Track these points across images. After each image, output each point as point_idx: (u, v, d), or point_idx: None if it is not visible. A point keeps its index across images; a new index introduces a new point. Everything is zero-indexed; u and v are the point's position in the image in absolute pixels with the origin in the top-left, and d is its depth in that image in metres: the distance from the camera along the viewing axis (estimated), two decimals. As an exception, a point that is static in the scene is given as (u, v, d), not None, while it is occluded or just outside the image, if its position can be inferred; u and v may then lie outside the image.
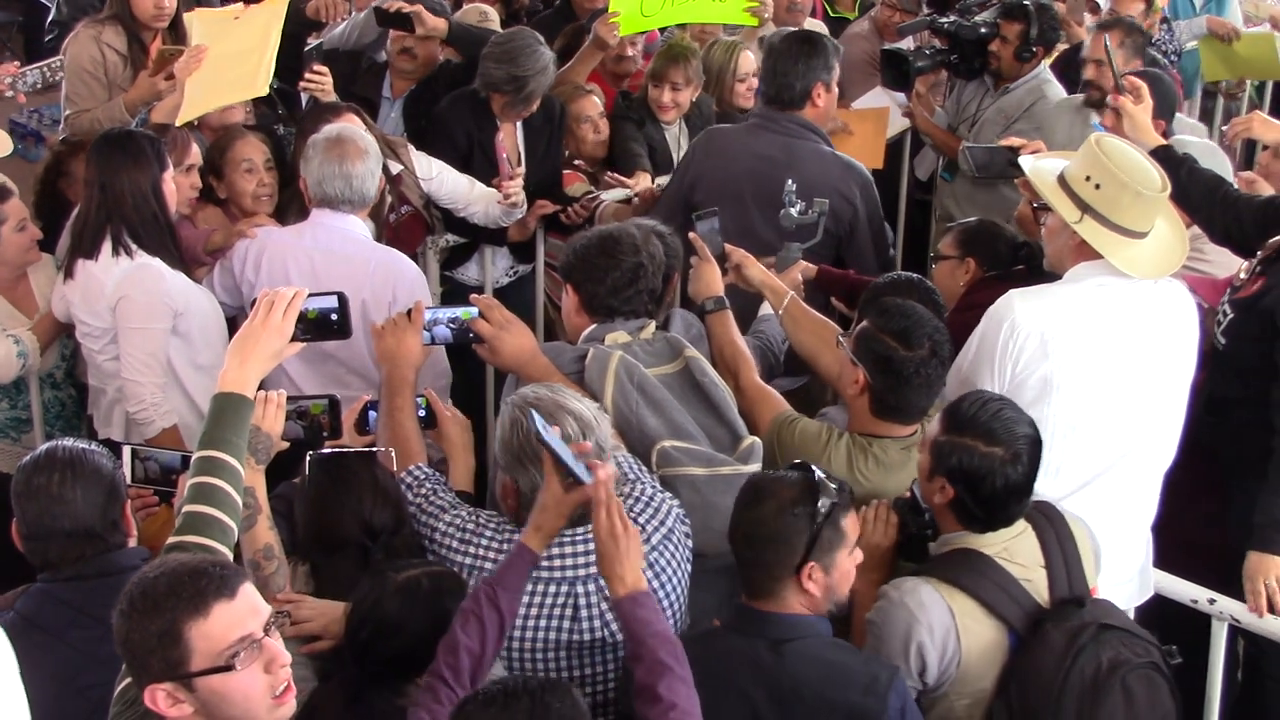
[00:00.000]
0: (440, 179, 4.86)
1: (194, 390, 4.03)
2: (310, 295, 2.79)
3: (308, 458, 3.07)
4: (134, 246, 3.95)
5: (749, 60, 5.87)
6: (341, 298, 2.93)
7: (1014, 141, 4.36)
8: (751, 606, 2.82)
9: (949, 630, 2.91)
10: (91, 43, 5.08)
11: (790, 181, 4.41)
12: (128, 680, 2.30)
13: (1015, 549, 2.99)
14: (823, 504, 2.76)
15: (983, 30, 5.64)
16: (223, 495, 2.49)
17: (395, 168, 4.72)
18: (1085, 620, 2.88)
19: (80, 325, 4.08)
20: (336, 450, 3.11)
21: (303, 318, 2.74)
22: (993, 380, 3.35)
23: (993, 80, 5.77)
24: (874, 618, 2.98)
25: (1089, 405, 3.32)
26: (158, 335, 3.95)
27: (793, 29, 5.39)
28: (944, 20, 5.78)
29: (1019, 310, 3.32)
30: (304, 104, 5.24)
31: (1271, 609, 3.45)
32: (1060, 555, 3.02)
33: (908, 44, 6.20)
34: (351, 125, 4.16)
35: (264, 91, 4.58)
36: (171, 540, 2.45)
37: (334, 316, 2.89)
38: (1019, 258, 3.76)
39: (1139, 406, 3.37)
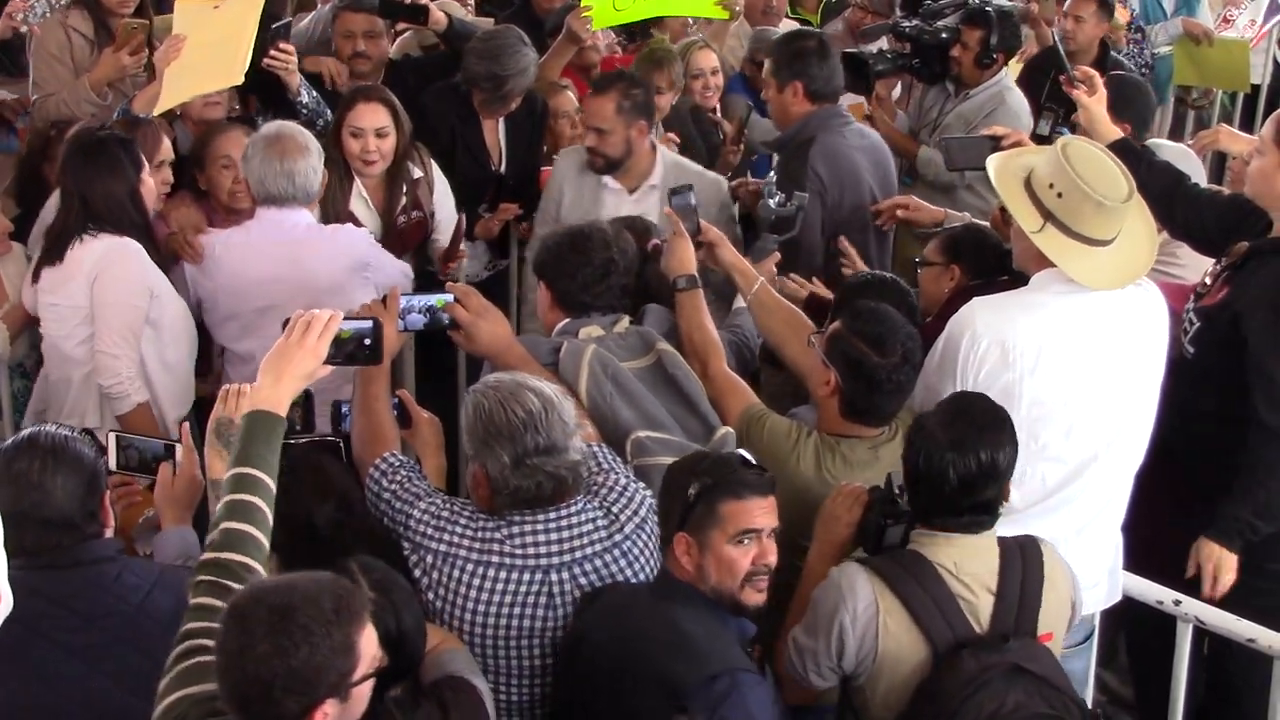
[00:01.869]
0: (441, 204, 4.88)
1: (158, 387, 4.01)
2: (345, 318, 2.80)
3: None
4: (111, 232, 3.91)
5: (708, 58, 5.89)
6: (376, 323, 2.96)
7: (996, 130, 4.36)
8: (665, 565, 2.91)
9: (870, 623, 2.92)
10: (58, 27, 5.09)
11: (771, 174, 4.44)
12: (182, 693, 2.26)
13: (966, 565, 2.96)
14: (695, 483, 2.79)
15: (944, 36, 5.61)
16: (258, 512, 2.49)
17: (416, 173, 4.75)
18: (1004, 658, 2.85)
19: (48, 311, 4.01)
20: (284, 443, 3.11)
21: (337, 339, 2.75)
22: (954, 389, 3.34)
23: (954, 86, 5.73)
24: (815, 593, 3.01)
25: (1053, 414, 3.32)
26: (135, 311, 3.93)
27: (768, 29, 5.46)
28: (906, 25, 5.78)
29: (980, 320, 3.32)
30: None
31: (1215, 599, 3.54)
32: (1017, 590, 2.97)
33: (882, 45, 6.21)
34: (290, 123, 4.19)
35: (240, 80, 4.56)
36: (208, 556, 2.43)
37: (367, 341, 2.91)
38: (1004, 265, 3.76)
39: (1106, 413, 3.37)
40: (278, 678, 2.09)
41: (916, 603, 2.92)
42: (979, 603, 2.95)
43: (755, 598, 2.82)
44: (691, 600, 2.80)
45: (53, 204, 4.17)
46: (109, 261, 3.90)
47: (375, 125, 4.56)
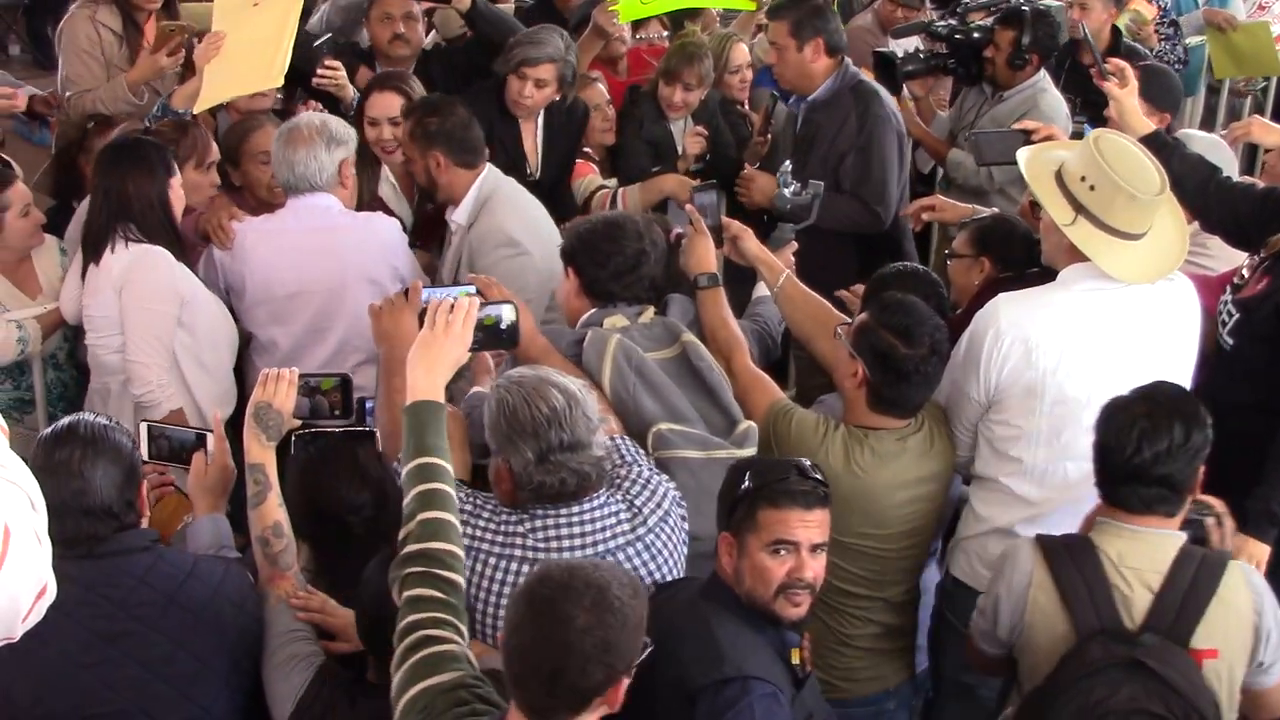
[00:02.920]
0: None
1: (196, 389, 4.03)
2: (484, 304, 2.83)
3: (293, 437, 3.09)
4: (140, 237, 3.94)
5: (742, 52, 5.91)
6: (515, 307, 3.01)
7: (1027, 124, 4.32)
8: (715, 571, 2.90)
9: (1022, 596, 2.97)
10: (87, 22, 5.13)
11: (787, 163, 4.45)
12: (423, 685, 2.29)
13: (1131, 559, 2.91)
14: (743, 484, 2.81)
15: (976, 36, 5.55)
16: (448, 499, 2.54)
17: None
18: (1131, 652, 2.79)
19: (87, 320, 4.03)
20: (320, 430, 3.13)
21: (479, 325, 2.79)
22: (978, 386, 3.36)
23: (990, 88, 5.66)
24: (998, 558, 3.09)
25: (1076, 411, 3.32)
26: (164, 318, 3.94)
27: None
28: (940, 24, 5.73)
29: (1004, 318, 3.32)
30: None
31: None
32: (1180, 595, 2.88)
33: (914, 43, 6.16)
34: (309, 115, 4.21)
35: (279, 83, 4.60)
36: (412, 549, 2.46)
37: (504, 326, 2.94)
38: (1034, 258, 3.74)
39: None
40: (596, 649, 2.16)
41: (1068, 585, 2.92)
42: (1134, 597, 2.90)
43: (791, 611, 2.80)
44: (731, 604, 2.80)
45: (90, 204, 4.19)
46: (136, 270, 3.92)
47: (389, 114, 4.59)
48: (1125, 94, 4.05)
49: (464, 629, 2.40)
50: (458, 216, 4.27)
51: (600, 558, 2.91)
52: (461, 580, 2.46)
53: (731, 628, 2.75)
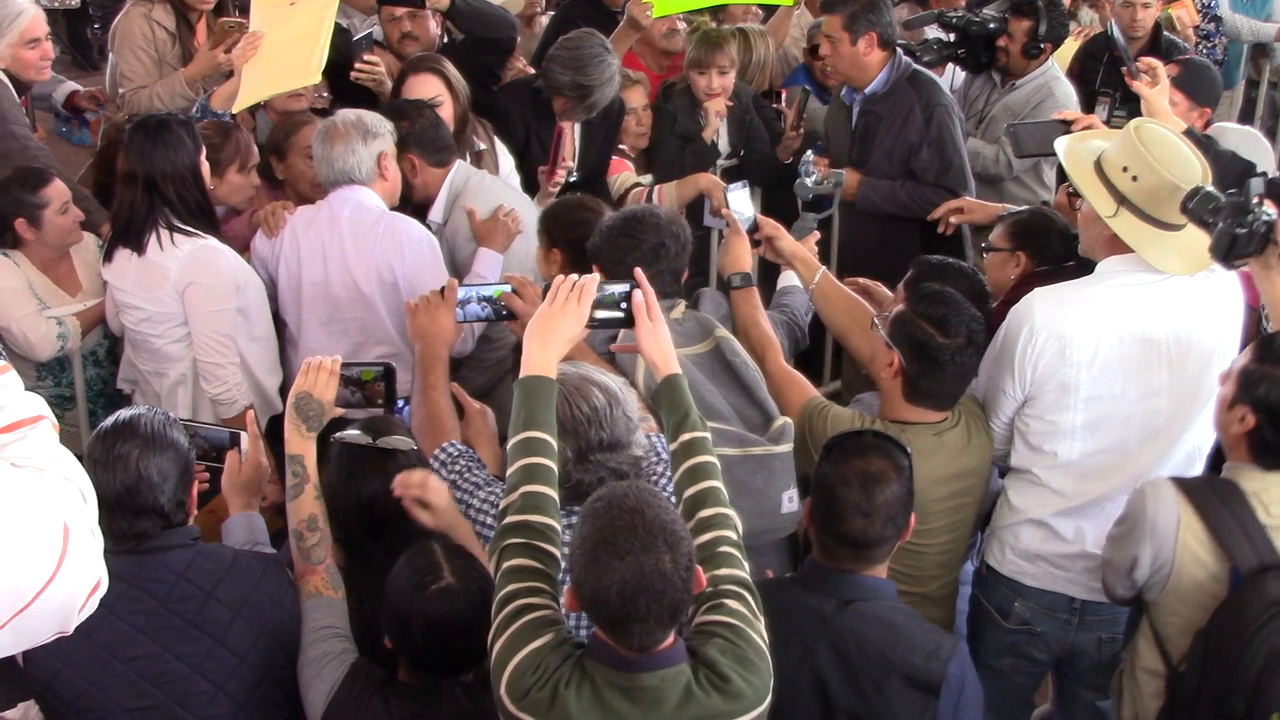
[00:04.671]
0: (506, 180, 4.83)
1: (252, 361, 4.08)
2: (603, 283, 2.83)
3: (331, 440, 3.06)
4: (187, 228, 3.95)
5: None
6: (633, 286, 2.99)
7: (1066, 115, 4.29)
8: (825, 565, 2.87)
9: (1168, 539, 2.94)
10: (143, 20, 5.19)
11: (809, 152, 4.43)
12: (528, 649, 2.32)
13: (1273, 493, 2.93)
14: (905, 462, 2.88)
15: (991, 26, 5.57)
16: (549, 473, 2.56)
17: (480, 145, 4.77)
18: None
19: (134, 311, 4.06)
20: (355, 444, 3.07)
21: (597, 303, 2.79)
22: (1013, 381, 3.35)
23: (1000, 76, 5.68)
24: (1126, 505, 3.08)
25: (1111, 406, 3.30)
26: (228, 316, 3.99)
27: None
28: (952, 14, 5.74)
29: (1038, 314, 3.30)
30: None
31: None
32: None
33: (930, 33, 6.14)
34: (345, 112, 4.20)
35: (316, 80, 4.61)
36: (513, 520, 2.48)
37: (623, 305, 2.93)
38: (1071, 251, 3.70)
39: (1167, 403, 3.33)
40: (684, 562, 2.27)
41: (1219, 523, 2.92)
42: None
43: None
44: (876, 591, 2.85)
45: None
46: (195, 271, 3.94)
47: (429, 96, 4.55)
48: (1156, 93, 4.02)
49: (559, 600, 2.42)
50: (434, 216, 4.33)
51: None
52: (559, 554, 2.48)
53: (904, 613, 2.86)
